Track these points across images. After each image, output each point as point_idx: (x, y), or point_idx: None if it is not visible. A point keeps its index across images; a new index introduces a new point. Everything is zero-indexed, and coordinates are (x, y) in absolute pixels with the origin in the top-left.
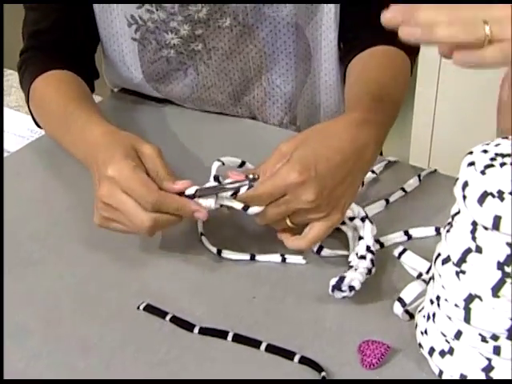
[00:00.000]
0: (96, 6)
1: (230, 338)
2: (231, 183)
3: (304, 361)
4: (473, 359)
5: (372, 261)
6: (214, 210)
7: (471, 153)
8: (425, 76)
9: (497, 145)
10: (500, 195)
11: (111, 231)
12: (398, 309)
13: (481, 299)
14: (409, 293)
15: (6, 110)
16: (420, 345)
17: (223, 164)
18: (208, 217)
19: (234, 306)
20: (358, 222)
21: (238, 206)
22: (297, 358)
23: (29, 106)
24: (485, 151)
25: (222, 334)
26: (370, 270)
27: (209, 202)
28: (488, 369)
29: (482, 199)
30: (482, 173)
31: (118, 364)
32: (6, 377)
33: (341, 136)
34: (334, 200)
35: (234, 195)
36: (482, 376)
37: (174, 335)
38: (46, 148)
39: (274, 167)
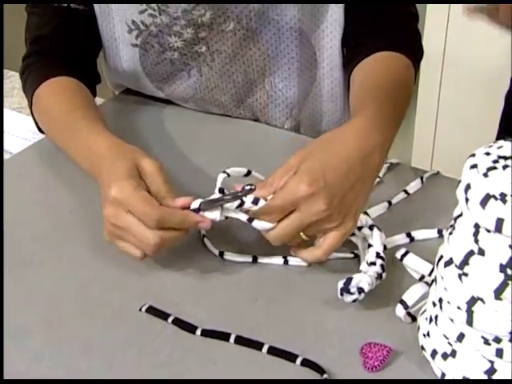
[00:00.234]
0: (97, 11)
1: (232, 340)
2: (232, 194)
3: (306, 363)
4: (475, 362)
5: (382, 266)
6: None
7: (474, 155)
8: (427, 78)
9: (499, 147)
10: (502, 198)
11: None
12: (400, 311)
13: (483, 302)
14: (411, 295)
15: (8, 112)
16: (422, 347)
17: (228, 175)
18: (212, 224)
19: (236, 308)
20: (366, 230)
21: (243, 217)
22: (299, 361)
23: (32, 113)
24: (487, 154)
25: (224, 336)
26: (380, 275)
27: (214, 215)
28: (490, 371)
29: (484, 202)
30: (485, 175)
31: (120, 366)
32: (7, 378)
33: (347, 144)
34: (345, 208)
35: (240, 207)
36: (484, 378)
37: (176, 337)
38: (47, 150)
39: (281, 179)
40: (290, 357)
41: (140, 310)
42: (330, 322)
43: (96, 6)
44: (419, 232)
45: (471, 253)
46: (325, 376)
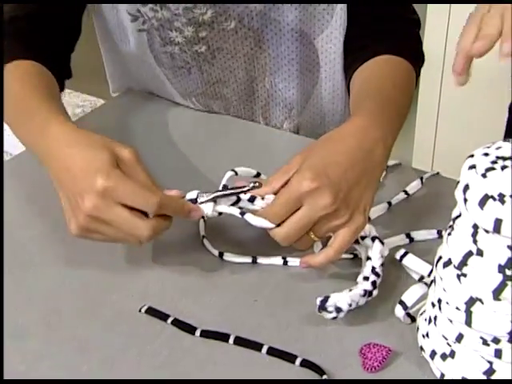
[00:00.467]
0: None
1: (231, 340)
2: (231, 188)
3: (305, 364)
4: (474, 362)
5: (374, 283)
6: (211, 217)
7: (472, 156)
8: (428, 79)
9: (498, 148)
10: (501, 198)
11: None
12: (399, 312)
13: (482, 302)
14: (410, 296)
15: None
16: (421, 348)
17: (236, 174)
18: (205, 217)
19: (235, 309)
20: (368, 241)
21: (236, 211)
22: (298, 361)
23: None
24: (486, 154)
25: (224, 337)
26: (370, 293)
27: (207, 208)
28: (489, 372)
29: (482, 202)
30: (483, 176)
31: (119, 366)
32: (7, 378)
33: (347, 141)
34: (352, 202)
35: (236, 203)
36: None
37: (176, 338)
38: None
39: (281, 179)
40: (290, 357)
41: (139, 310)
42: (329, 322)
43: None
44: (419, 233)
45: (470, 253)
46: (324, 377)
